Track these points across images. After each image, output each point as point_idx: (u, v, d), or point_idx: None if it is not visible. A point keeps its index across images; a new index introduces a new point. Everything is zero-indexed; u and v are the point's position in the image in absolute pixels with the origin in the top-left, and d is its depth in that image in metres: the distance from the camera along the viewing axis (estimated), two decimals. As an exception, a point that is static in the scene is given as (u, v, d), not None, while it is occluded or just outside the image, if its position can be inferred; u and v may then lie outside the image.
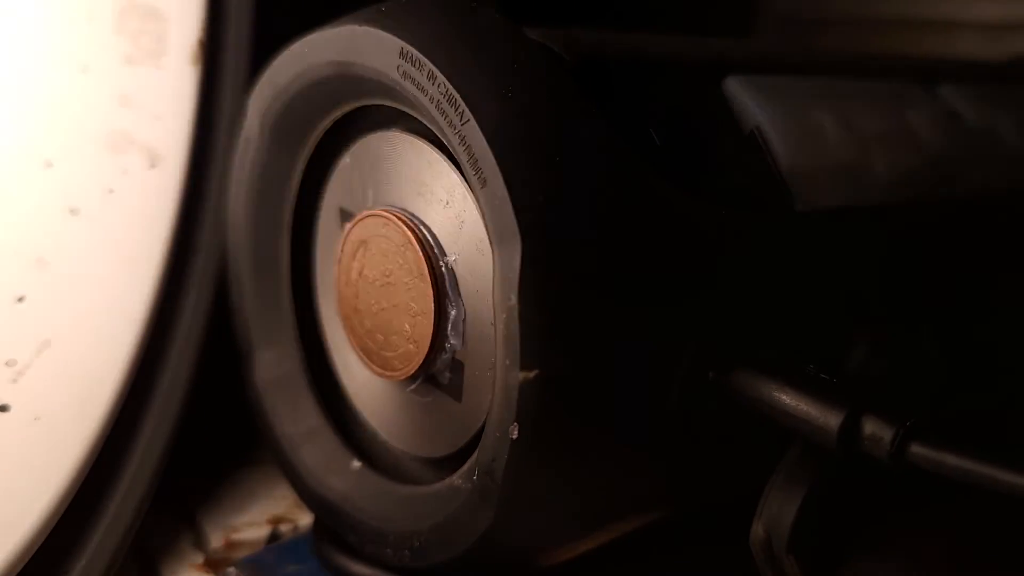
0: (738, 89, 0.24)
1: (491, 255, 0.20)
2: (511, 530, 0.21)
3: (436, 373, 0.23)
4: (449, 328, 0.22)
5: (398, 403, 0.24)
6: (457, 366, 0.22)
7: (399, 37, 0.20)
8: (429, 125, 0.21)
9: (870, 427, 0.20)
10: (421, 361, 0.22)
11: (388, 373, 0.23)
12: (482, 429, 0.22)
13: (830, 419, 0.20)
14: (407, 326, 0.22)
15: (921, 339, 0.25)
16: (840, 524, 0.23)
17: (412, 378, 0.23)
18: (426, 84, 0.20)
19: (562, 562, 0.23)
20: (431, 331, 0.22)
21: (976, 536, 0.24)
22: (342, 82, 0.22)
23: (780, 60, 0.28)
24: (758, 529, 0.22)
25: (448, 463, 0.23)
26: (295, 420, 0.26)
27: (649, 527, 0.24)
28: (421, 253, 0.22)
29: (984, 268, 0.28)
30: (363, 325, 0.24)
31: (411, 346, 0.22)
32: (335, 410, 0.26)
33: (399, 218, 0.22)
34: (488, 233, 0.20)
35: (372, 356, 0.24)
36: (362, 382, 0.25)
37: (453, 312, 0.22)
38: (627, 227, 0.20)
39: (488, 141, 0.19)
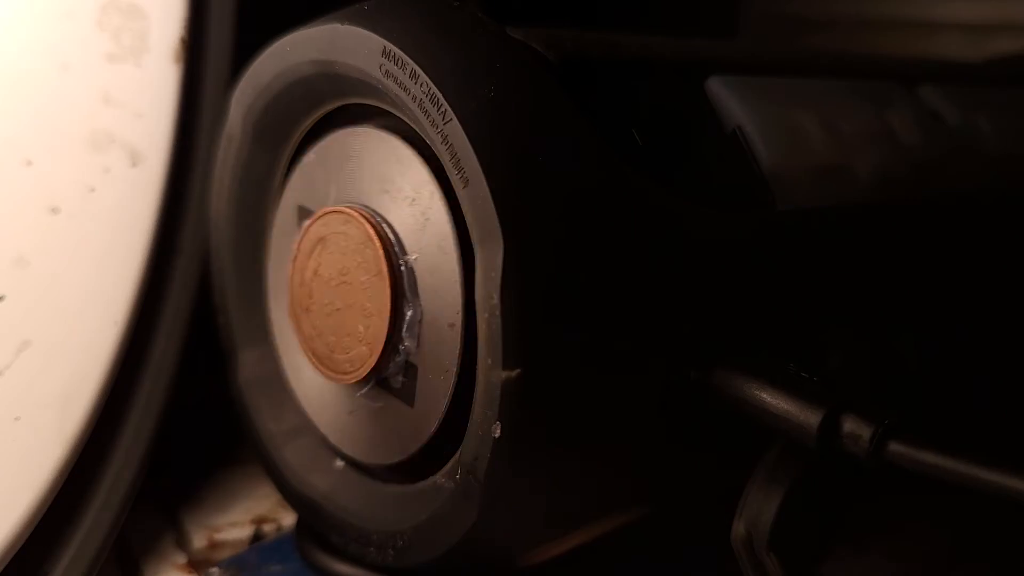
0: (720, 89, 0.25)
1: (454, 254, 0.20)
2: (494, 529, 0.21)
3: (388, 377, 0.22)
4: (404, 329, 0.21)
5: (348, 408, 0.24)
6: (410, 369, 0.22)
7: (382, 36, 0.20)
8: (411, 124, 0.21)
9: (849, 425, 0.20)
10: (374, 364, 0.22)
11: (338, 376, 0.23)
12: (435, 435, 0.21)
13: (810, 417, 0.20)
14: (360, 327, 0.22)
15: (901, 338, 0.26)
16: (820, 522, 0.23)
17: (363, 382, 0.22)
18: (408, 83, 0.20)
19: (545, 560, 0.23)
20: (385, 332, 0.21)
21: (954, 534, 0.24)
22: (325, 81, 0.22)
23: (762, 60, 0.28)
24: (739, 527, 0.22)
25: (401, 470, 0.23)
26: (278, 419, 0.26)
27: (631, 525, 0.24)
28: (381, 250, 0.21)
29: (964, 268, 0.28)
30: (314, 326, 0.23)
31: (364, 348, 0.22)
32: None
33: (361, 214, 0.22)
34: (470, 232, 0.20)
35: (322, 359, 0.23)
36: (311, 386, 0.25)
37: (409, 312, 0.21)
38: (609, 226, 0.20)
39: (470, 140, 0.19)
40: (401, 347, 0.21)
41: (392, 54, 0.20)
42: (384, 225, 0.22)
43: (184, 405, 0.27)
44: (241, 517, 0.29)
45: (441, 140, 0.19)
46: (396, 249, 0.21)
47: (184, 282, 0.27)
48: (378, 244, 0.21)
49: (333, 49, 0.21)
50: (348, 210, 0.22)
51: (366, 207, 0.22)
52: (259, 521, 0.29)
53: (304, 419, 0.26)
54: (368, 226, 0.21)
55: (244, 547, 0.28)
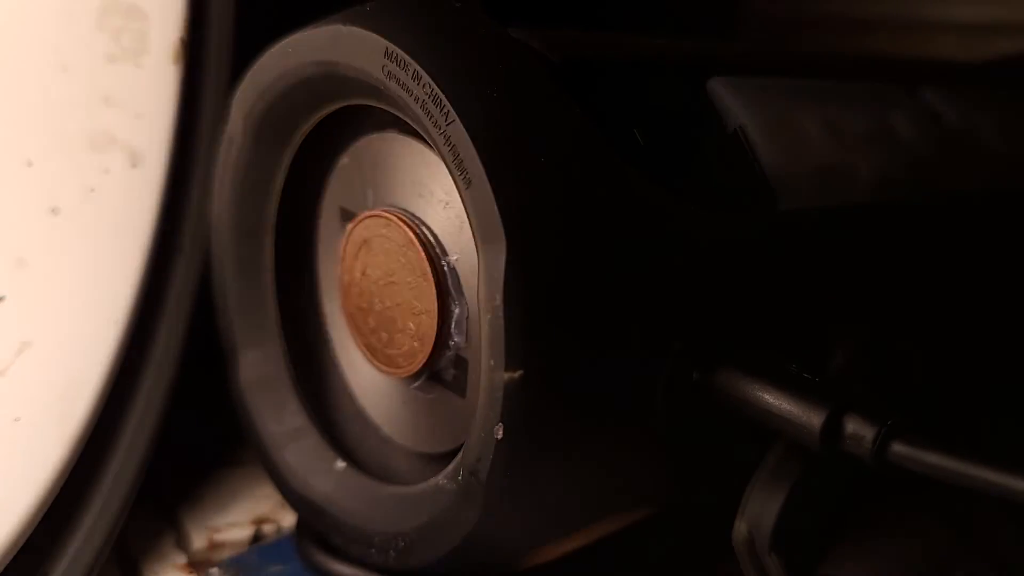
0: (722, 90, 0.24)
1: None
2: (496, 530, 0.21)
3: (440, 370, 0.23)
4: (452, 326, 0.22)
5: (403, 400, 0.24)
6: (461, 363, 0.22)
7: (384, 37, 0.20)
8: (414, 125, 0.21)
9: (852, 426, 0.20)
10: (425, 359, 0.22)
11: (393, 370, 0.23)
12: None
13: (812, 418, 0.20)
14: (411, 324, 0.23)
15: (903, 338, 0.26)
16: (822, 523, 0.23)
17: (416, 375, 0.23)
18: (411, 84, 0.20)
19: (547, 561, 0.23)
20: (435, 329, 0.22)
21: (956, 534, 0.24)
22: (326, 82, 0.22)
23: (763, 61, 0.28)
24: (741, 527, 0.22)
25: (448, 459, 0.23)
26: (279, 420, 0.26)
27: (633, 526, 0.24)
28: (423, 253, 0.22)
29: (965, 268, 0.28)
30: (367, 323, 0.24)
31: (415, 344, 0.23)
32: (320, 410, 0.26)
33: (400, 219, 0.22)
34: (473, 233, 0.20)
35: (376, 354, 0.24)
36: (366, 379, 0.25)
37: (456, 310, 0.22)
38: (611, 227, 0.20)
39: (473, 141, 0.19)
40: (451, 343, 0.22)
41: (394, 55, 0.20)
42: (423, 228, 0.22)
43: (184, 405, 0.27)
44: (241, 517, 0.29)
45: (444, 141, 0.19)
46: (437, 251, 0.22)
47: (184, 283, 0.27)
48: (419, 247, 0.22)
49: (335, 50, 0.21)
50: (387, 214, 0.23)
51: (404, 211, 0.23)
52: (259, 522, 0.29)
53: (305, 420, 0.26)
54: (408, 230, 0.22)
55: (244, 547, 0.28)
